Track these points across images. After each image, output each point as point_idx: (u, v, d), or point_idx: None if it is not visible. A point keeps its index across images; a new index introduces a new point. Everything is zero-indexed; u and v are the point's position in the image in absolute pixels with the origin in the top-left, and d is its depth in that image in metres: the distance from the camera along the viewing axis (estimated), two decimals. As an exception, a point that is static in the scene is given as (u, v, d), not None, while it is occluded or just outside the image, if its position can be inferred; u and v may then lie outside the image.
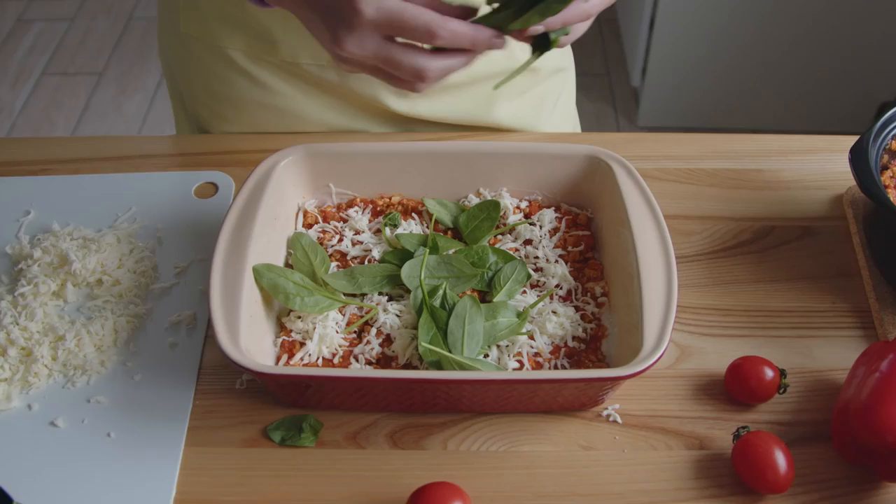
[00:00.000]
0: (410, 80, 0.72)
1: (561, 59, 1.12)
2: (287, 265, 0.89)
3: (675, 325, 0.85)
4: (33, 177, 1.03)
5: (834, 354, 0.85)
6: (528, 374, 0.73)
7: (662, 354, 0.73)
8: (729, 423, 0.80)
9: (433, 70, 0.71)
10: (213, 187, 1.01)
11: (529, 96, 1.08)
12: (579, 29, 0.78)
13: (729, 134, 1.07)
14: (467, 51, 0.72)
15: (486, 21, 0.72)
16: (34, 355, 0.84)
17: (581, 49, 2.87)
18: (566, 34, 0.75)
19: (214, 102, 1.08)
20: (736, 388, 0.81)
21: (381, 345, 0.82)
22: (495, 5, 0.72)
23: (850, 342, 0.86)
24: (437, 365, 0.77)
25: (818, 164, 1.02)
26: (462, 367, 0.75)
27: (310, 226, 0.92)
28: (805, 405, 0.81)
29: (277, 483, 0.76)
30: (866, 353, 0.79)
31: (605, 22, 2.97)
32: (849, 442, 0.75)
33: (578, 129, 1.23)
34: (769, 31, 2.32)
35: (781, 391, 0.80)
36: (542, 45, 0.75)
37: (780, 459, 0.73)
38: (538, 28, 0.72)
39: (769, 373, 0.80)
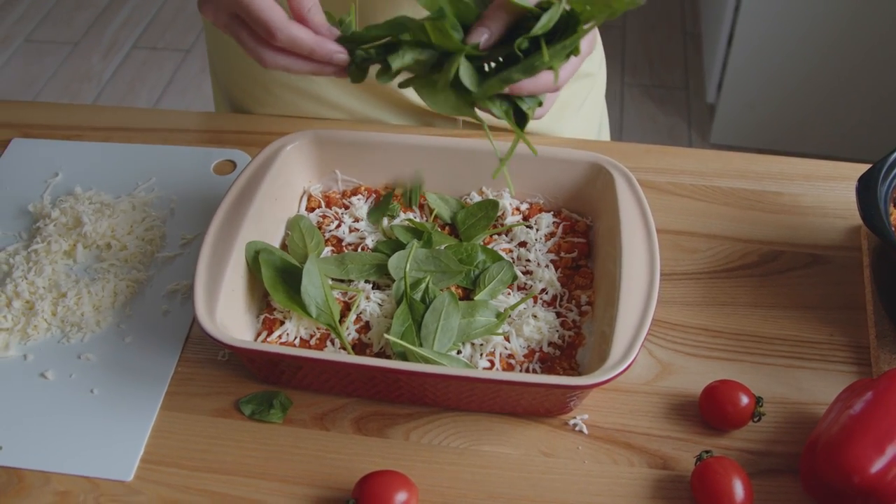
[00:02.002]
0: (256, 50, 0.72)
1: (587, 64, 1.11)
2: (283, 245, 0.91)
3: (659, 341, 0.85)
4: (67, 141, 1.08)
5: (822, 388, 0.82)
6: (484, 373, 0.73)
7: (626, 368, 0.72)
8: (698, 445, 0.78)
9: (269, 62, 0.72)
10: (232, 165, 1.04)
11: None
12: (551, 98, 0.77)
13: (753, 154, 1.04)
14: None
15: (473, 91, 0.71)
16: (35, 309, 0.88)
17: (661, 61, 2.85)
18: (540, 104, 0.74)
19: (244, 81, 1.11)
20: (709, 411, 0.79)
21: (358, 331, 0.83)
22: None
23: (842, 377, 0.83)
24: (405, 356, 0.78)
25: (841, 192, 0.99)
26: (424, 360, 0.76)
27: (312, 209, 0.94)
28: (780, 436, 0.79)
29: (240, 454, 0.78)
30: (849, 388, 0.77)
31: (690, 35, 2.92)
32: (815, 479, 0.73)
33: (606, 136, 1.21)
34: (849, 55, 2.24)
35: (756, 419, 0.78)
36: (519, 119, 0.74)
37: (738, 488, 0.71)
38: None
39: (744, 399, 0.78)
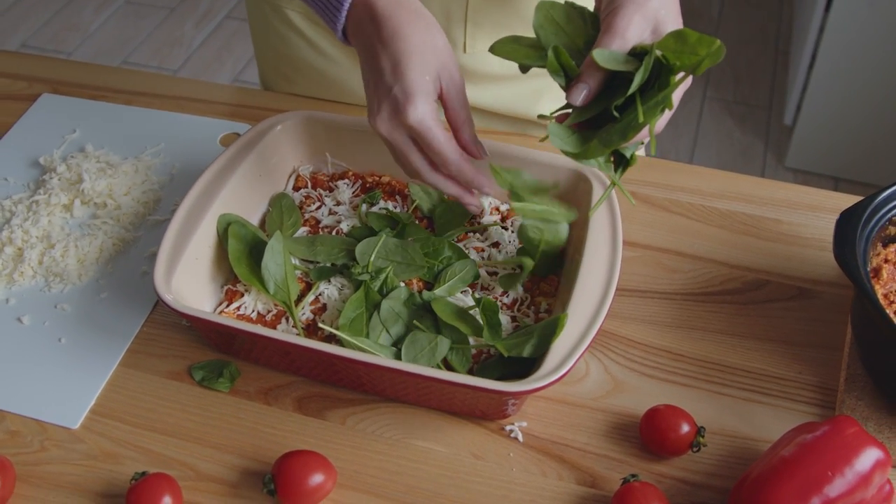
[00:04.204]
0: (410, 172, 0.80)
1: None
2: (263, 221, 0.92)
3: (618, 358, 0.84)
4: (90, 100, 1.12)
5: (776, 426, 0.79)
6: (409, 366, 0.72)
7: (556, 381, 0.71)
8: (632, 468, 0.76)
9: (429, 180, 0.79)
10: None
11: None
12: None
13: (759, 178, 1.00)
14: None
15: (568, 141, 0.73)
16: (24, 256, 0.92)
17: (748, 77, 2.76)
18: (642, 144, 0.76)
19: (275, 58, 1.13)
20: (648, 434, 0.77)
21: (314, 312, 0.84)
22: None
23: (801, 417, 0.80)
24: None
25: (844, 227, 0.95)
26: (358, 348, 0.76)
27: (298, 188, 0.95)
28: (721, 470, 0.76)
29: (183, 417, 0.80)
30: (795, 429, 0.73)
31: (781, 53, 2.82)
32: (740, 517, 0.70)
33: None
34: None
35: (695, 449, 0.76)
36: (621, 162, 0.76)
37: (655, 515, 0.70)
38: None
39: (685, 427, 0.75)
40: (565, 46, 0.74)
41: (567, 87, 0.73)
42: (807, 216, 0.96)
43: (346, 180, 0.95)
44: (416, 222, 0.91)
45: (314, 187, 0.95)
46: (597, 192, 0.86)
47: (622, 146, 0.73)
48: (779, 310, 0.88)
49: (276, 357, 0.80)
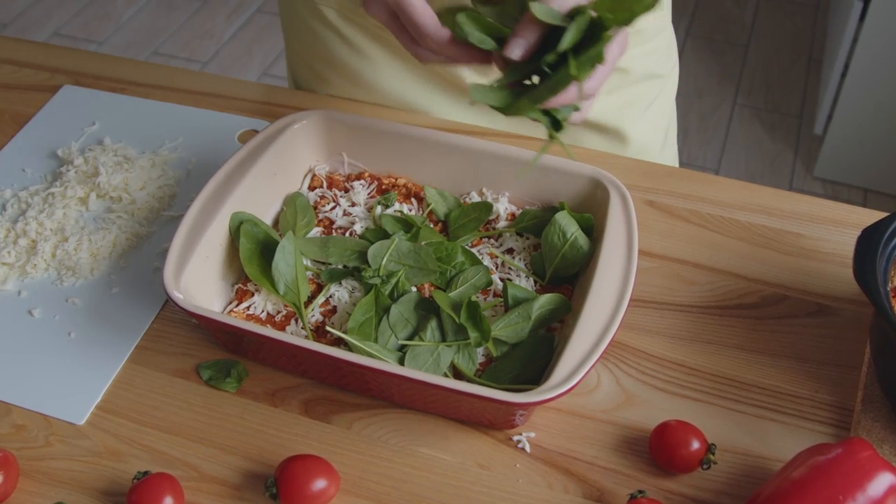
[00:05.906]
0: (410, 47, 0.78)
1: (655, 65, 1.07)
2: (277, 220, 0.92)
3: (630, 370, 0.83)
4: (111, 92, 1.12)
5: (789, 445, 0.77)
6: (412, 372, 0.71)
7: (563, 393, 0.70)
8: (640, 483, 0.75)
9: (423, 58, 0.77)
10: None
11: (617, 95, 1.04)
12: (587, 105, 0.77)
13: (782, 191, 0.98)
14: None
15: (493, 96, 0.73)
16: (37, 249, 0.92)
17: (780, 85, 2.73)
18: (577, 109, 0.75)
19: (307, 56, 1.12)
20: (657, 450, 0.75)
21: (323, 314, 0.83)
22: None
23: (815, 437, 0.78)
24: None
25: (867, 243, 0.92)
26: (365, 352, 0.75)
27: (314, 188, 0.95)
28: (730, 489, 0.74)
29: (188, 416, 0.80)
30: (808, 450, 0.72)
31: (814, 62, 2.78)
32: (748, 538, 0.69)
33: (673, 140, 1.17)
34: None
35: (705, 467, 0.74)
36: (554, 124, 0.75)
37: (661, 534, 0.68)
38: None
39: (695, 444, 0.74)
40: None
41: (504, 44, 0.72)
42: (829, 231, 0.94)
43: (363, 181, 0.94)
44: (431, 226, 0.90)
45: (330, 187, 0.94)
46: (613, 200, 0.85)
47: (554, 107, 0.72)
48: (797, 326, 0.86)
49: (284, 359, 0.80)
